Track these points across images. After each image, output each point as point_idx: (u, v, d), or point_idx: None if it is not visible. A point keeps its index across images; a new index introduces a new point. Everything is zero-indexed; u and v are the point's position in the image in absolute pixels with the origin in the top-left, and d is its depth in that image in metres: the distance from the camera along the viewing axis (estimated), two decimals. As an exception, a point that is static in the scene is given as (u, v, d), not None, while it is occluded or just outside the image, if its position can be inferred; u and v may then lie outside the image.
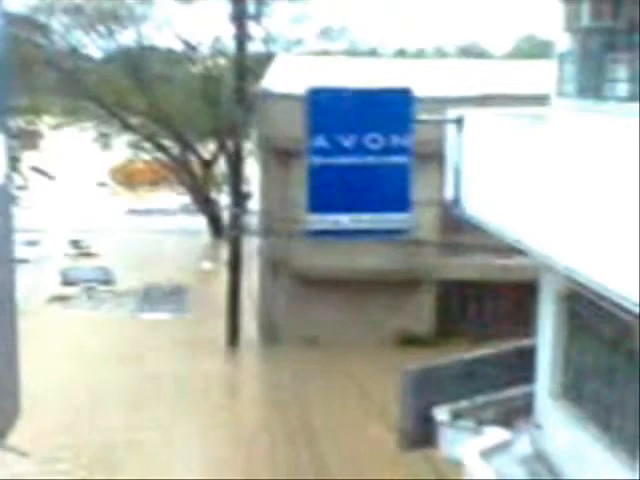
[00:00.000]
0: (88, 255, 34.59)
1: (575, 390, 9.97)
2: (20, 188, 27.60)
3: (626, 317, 8.19)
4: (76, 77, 34.98)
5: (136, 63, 35.00)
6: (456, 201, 11.21)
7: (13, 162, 13.90)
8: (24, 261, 28.20)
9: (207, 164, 38.01)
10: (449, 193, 11.38)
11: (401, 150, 13.32)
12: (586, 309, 9.45)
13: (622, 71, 8.85)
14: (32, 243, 33.52)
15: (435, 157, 12.91)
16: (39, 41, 34.69)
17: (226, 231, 28.39)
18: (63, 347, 24.06)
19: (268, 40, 34.50)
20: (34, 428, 16.40)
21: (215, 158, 37.68)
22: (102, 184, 49.81)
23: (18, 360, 15.19)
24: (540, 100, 10.80)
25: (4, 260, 14.50)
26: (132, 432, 18.77)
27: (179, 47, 37.42)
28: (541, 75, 11.91)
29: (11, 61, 14.45)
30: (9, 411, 14.83)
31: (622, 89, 8.86)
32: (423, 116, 13.01)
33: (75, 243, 35.66)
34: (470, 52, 49.57)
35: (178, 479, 16.76)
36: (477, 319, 23.78)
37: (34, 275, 30.00)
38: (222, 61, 36.02)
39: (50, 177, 33.87)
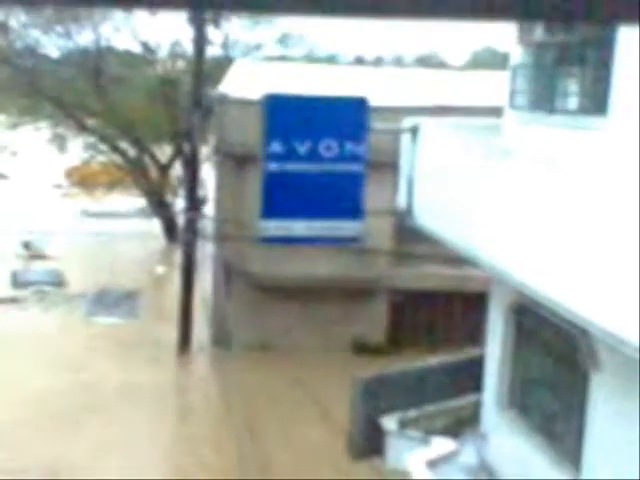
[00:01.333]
0: (40, 257, 34.15)
1: (521, 400, 10.04)
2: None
3: (572, 330, 8.27)
4: (33, 76, 34.62)
5: (94, 64, 34.74)
6: (408, 211, 11.26)
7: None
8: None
9: (163, 168, 37.80)
10: (402, 202, 11.42)
11: (355, 158, 13.38)
12: (534, 322, 9.53)
13: (573, 85, 8.94)
14: (-18, 243, 33.10)
15: (390, 166, 12.96)
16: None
17: (180, 235, 28.19)
18: (6, 350, 23.67)
19: (227, 44, 34.46)
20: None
21: (171, 162, 37.49)
22: (57, 185, 49.32)
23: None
24: (496, 112, 10.88)
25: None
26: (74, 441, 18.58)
27: (137, 49, 37.23)
28: (497, 87, 12.00)
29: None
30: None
31: (573, 102, 8.95)
32: (379, 125, 13.06)
33: (27, 244, 35.21)
34: (428, 62, 49.85)
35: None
36: (429, 329, 23.88)
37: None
38: (180, 64, 35.88)
39: (3, 176, 33.38)
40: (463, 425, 12.43)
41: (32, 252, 34.69)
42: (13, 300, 28.48)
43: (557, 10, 1.37)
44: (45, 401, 20.41)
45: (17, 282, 30.37)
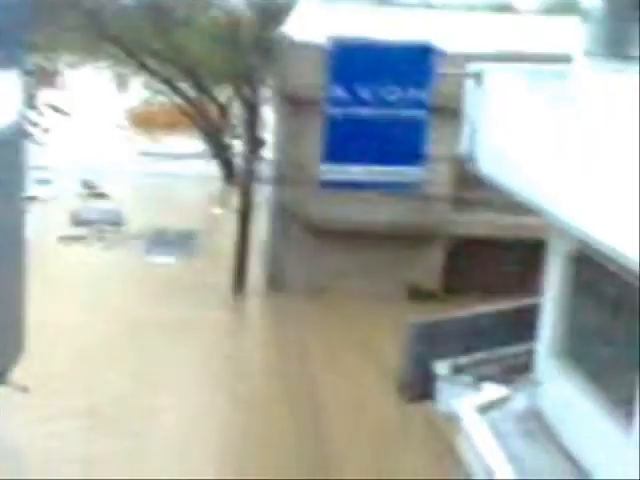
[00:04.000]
0: (100, 196, 34.63)
1: (576, 349, 10.06)
2: (35, 125, 27.49)
3: (632, 280, 8.25)
4: (96, 16, 34.77)
5: (158, 4, 34.75)
6: (471, 157, 11.21)
7: (29, 99, 13.82)
8: (36, 199, 28.28)
9: (223, 109, 37.86)
10: (464, 148, 11.37)
11: (419, 104, 13.31)
12: (593, 271, 9.50)
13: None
14: (44, 182, 33.50)
15: (453, 111, 12.87)
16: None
17: (239, 177, 28.34)
18: (70, 287, 24.20)
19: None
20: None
21: (231, 103, 37.50)
22: (117, 125, 49.73)
23: (25, 300, 15.35)
24: (566, 59, 10.74)
25: (16, 198, 14.57)
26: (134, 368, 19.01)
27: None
28: (568, 33, 11.82)
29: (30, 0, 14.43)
30: (14, 348, 15.02)
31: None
32: (444, 70, 12.95)
33: (87, 183, 35.69)
34: (498, 7, 48.90)
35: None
36: (485, 276, 23.77)
37: (45, 214, 30.07)
38: (244, 5, 35.73)
39: (65, 114, 33.67)
40: (515, 373, 12.46)
41: (92, 191, 35.19)
42: (74, 238, 28.99)
43: None
44: (112, 334, 20.94)
45: (77, 220, 30.87)
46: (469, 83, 11.36)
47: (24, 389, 14.74)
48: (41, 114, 29.70)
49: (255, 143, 25.21)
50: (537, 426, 10.58)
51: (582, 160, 8.22)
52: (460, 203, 22.97)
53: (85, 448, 15.64)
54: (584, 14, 9.86)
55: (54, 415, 16.59)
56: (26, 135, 15.23)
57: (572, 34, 10.56)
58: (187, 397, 18.08)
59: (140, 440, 16.13)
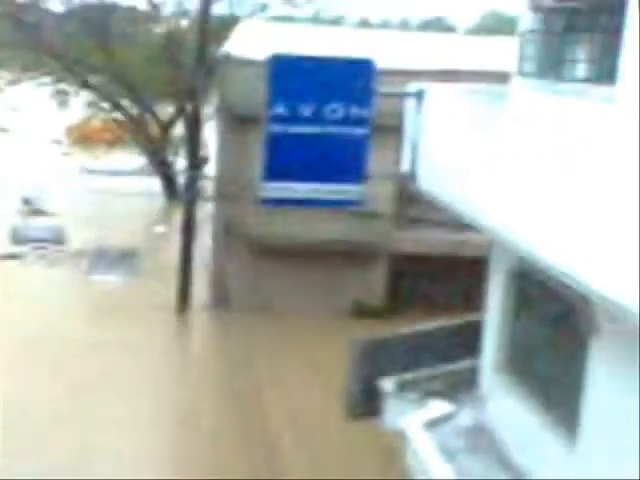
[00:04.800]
0: (40, 213, 34.15)
1: (519, 365, 10.14)
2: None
3: (572, 297, 8.33)
4: (36, 31, 34.40)
5: (98, 20, 34.50)
6: (412, 175, 11.28)
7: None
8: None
9: (165, 126, 37.68)
10: (405, 166, 11.43)
11: (360, 121, 13.34)
12: (534, 287, 9.59)
13: (582, 52, 8.92)
14: (-18, 199, 33.03)
15: (394, 130, 12.93)
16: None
17: (181, 195, 28.17)
18: (7, 306, 23.75)
19: (233, 2, 34.14)
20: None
21: (173, 120, 37.36)
22: (57, 142, 49.16)
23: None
24: (501, 77, 10.86)
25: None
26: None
27: (142, 6, 36.98)
28: (504, 52, 11.96)
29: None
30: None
31: (581, 70, 8.94)
32: (385, 88, 13.01)
33: (27, 200, 35.18)
34: (434, 26, 49.51)
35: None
36: (429, 293, 23.93)
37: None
38: (185, 23, 35.66)
39: (3, 130, 33.23)
40: (460, 389, 12.53)
41: (32, 208, 34.67)
42: (13, 256, 28.51)
43: None
44: (48, 356, 20.58)
45: (17, 238, 30.35)
46: (409, 101, 11.43)
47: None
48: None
49: (197, 160, 25.09)
50: (483, 441, 10.64)
51: (520, 178, 8.30)
52: (403, 220, 23.11)
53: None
54: (519, 34, 9.99)
55: None
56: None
57: (508, 53, 10.68)
58: (127, 416, 17.85)
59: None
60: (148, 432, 17.43)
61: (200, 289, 25.19)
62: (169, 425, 18.20)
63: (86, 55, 35.05)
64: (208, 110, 29.38)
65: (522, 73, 10.00)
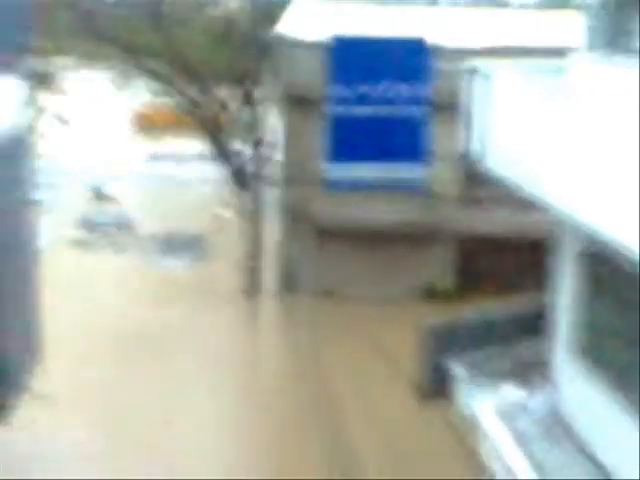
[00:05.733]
0: (108, 200, 34.54)
1: (594, 350, 9.85)
2: (38, 131, 27.39)
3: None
4: (94, 19, 34.57)
5: (154, 5, 34.51)
6: (476, 154, 11.00)
7: (30, 105, 13.77)
8: (44, 205, 28.15)
9: (227, 111, 37.63)
10: (467, 146, 11.16)
11: (419, 100, 13.12)
12: (606, 269, 9.29)
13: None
14: (52, 187, 33.41)
15: (453, 109, 12.64)
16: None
17: (247, 180, 28.15)
18: (81, 290, 24.13)
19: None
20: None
21: (235, 104, 37.26)
22: (122, 128, 49.59)
23: (40, 309, 15.25)
24: (563, 52, 10.52)
25: (24, 205, 14.45)
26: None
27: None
28: (567, 27, 11.61)
29: (29, 3, 14.29)
30: (33, 358, 14.92)
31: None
32: (446, 66, 12.74)
33: (95, 187, 35.61)
34: (496, 1, 48.68)
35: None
36: (497, 274, 23.54)
37: (54, 219, 29.98)
38: (240, 4, 35.47)
39: (66, 122, 33.69)
40: (531, 372, 12.30)
41: (100, 195, 35.08)
42: (84, 242, 28.93)
43: None
44: (124, 337, 20.87)
45: (86, 225, 30.82)
46: (469, 79, 11.13)
47: (45, 397, 14.68)
48: (42, 120, 29.58)
49: (261, 144, 25.01)
50: (558, 428, 10.40)
51: (589, 156, 8.01)
52: (469, 201, 22.70)
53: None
54: (583, 7, 9.63)
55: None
56: (30, 141, 15.08)
57: (571, 28, 10.34)
58: (201, 398, 17.97)
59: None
60: (216, 413, 17.51)
61: (267, 274, 25.20)
62: (236, 404, 18.26)
63: (144, 40, 35.11)
64: (268, 93, 29.21)
65: (588, 47, 9.65)
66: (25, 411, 13.68)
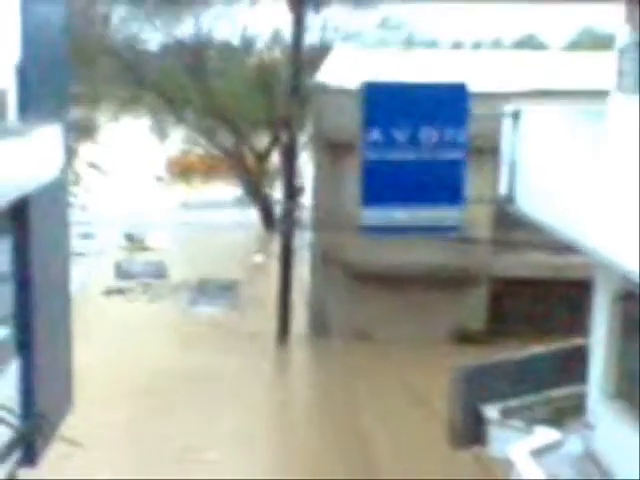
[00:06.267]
0: (142, 248, 34.85)
1: (629, 391, 9.80)
2: (75, 181, 27.84)
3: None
4: (134, 68, 35.28)
5: (193, 56, 35.18)
6: (510, 197, 11.09)
7: (69, 154, 14.07)
8: (79, 254, 28.51)
9: (261, 157, 38.08)
10: (503, 189, 11.25)
11: (456, 145, 13.23)
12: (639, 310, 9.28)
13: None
14: (87, 236, 33.80)
15: (489, 152, 12.76)
16: (98, 31, 34.97)
17: (278, 224, 28.37)
18: (117, 337, 24.32)
19: (326, 30, 34.25)
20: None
21: (269, 151, 37.72)
22: (158, 177, 50.16)
23: (71, 353, 15.43)
24: (600, 95, 10.61)
25: (59, 253, 14.68)
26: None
27: (236, 41, 37.53)
28: (600, 69, 11.70)
29: (70, 51, 14.59)
30: (63, 402, 15.06)
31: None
32: (480, 110, 12.88)
33: (130, 236, 35.94)
34: (527, 44, 48.91)
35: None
36: (530, 317, 23.46)
37: (89, 268, 30.28)
38: (278, 53, 36.02)
39: (103, 172, 34.23)
40: (566, 416, 12.22)
41: (135, 243, 35.42)
42: (119, 291, 29.16)
43: None
44: (160, 380, 21.01)
45: (121, 273, 31.07)
46: (506, 123, 11.27)
47: (77, 444, 14.74)
48: (82, 169, 30.07)
49: (293, 189, 25.24)
50: (593, 470, 10.32)
51: (624, 198, 8.06)
52: (501, 244, 22.73)
53: None
54: (618, 49, 9.74)
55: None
56: (68, 190, 15.36)
57: (604, 70, 10.44)
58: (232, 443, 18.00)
59: None
60: (254, 462, 17.51)
61: (299, 317, 25.26)
62: (272, 450, 18.25)
63: (182, 89, 35.74)
64: (303, 139, 29.56)
65: (621, 89, 9.75)
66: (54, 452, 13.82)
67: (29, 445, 12.93)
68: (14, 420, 12.48)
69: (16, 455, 12.78)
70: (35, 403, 13.16)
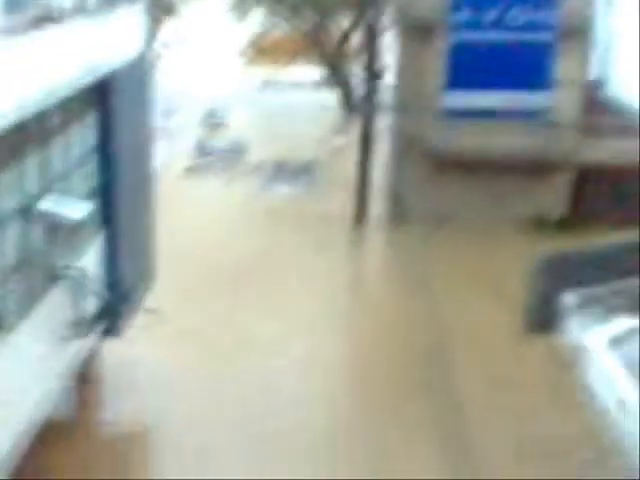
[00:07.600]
0: (222, 126, 34.91)
1: None
2: (157, 56, 27.85)
3: None
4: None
5: None
6: (602, 81, 10.76)
7: (151, 30, 14.11)
8: (162, 130, 28.74)
9: (343, 38, 37.46)
10: (595, 72, 10.91)
11: (546, 26, 12.85)
12: None
13: None
14: (169, 112, 33.97)
15: (579, 34, 12.36)
16: None
17: (359, 107, 28.03)
18: (197, 215, 24.70)
19: None
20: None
21: (352, 31, 37.03)
22: (239, 55, 49.79)
23: (154, 229, 15.76)
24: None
25: (142, 129, 14.83)
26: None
27: None
28: None
29: None
30: (147, 276, 15.49)
31: None
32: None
33: (210, 114, 36.00)
34: None
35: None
36: (614, 205, 22.95)
37: (170, 145, 30.55)
38: None
39: (186, 45, 34.07)
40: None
41: (215, 121, 35.49)
42: (199, 170, 29.43)
43: None
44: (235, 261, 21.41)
45: (201, 151, 31.29)
46: (601, 4, 10.86)
47: (161, 315, 15.27)
48: (165, 46, 30.02)
49: (376, 71, 24.80)
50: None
51: None
52: (589, 130, 22.06)
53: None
54: None
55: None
56: (151, 67, 15.43)
57: None
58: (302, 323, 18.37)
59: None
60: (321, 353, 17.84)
61: (377, 201, 25.20)
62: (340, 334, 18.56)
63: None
64: (388, 19, 28.91)
65: None
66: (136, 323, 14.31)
67: (114, 316, 13.37)
68: (100, 291, 12.89)
69: (101, 326, 13.26)
70: (120, 275, 13.54)
